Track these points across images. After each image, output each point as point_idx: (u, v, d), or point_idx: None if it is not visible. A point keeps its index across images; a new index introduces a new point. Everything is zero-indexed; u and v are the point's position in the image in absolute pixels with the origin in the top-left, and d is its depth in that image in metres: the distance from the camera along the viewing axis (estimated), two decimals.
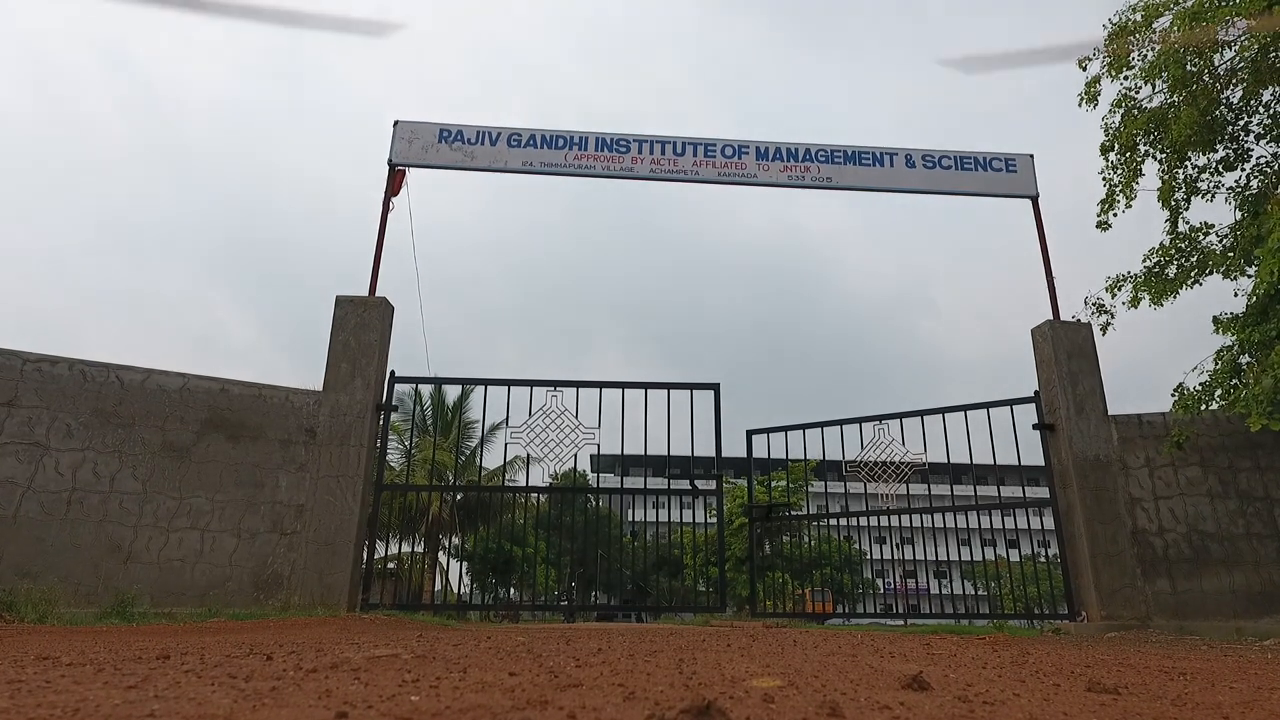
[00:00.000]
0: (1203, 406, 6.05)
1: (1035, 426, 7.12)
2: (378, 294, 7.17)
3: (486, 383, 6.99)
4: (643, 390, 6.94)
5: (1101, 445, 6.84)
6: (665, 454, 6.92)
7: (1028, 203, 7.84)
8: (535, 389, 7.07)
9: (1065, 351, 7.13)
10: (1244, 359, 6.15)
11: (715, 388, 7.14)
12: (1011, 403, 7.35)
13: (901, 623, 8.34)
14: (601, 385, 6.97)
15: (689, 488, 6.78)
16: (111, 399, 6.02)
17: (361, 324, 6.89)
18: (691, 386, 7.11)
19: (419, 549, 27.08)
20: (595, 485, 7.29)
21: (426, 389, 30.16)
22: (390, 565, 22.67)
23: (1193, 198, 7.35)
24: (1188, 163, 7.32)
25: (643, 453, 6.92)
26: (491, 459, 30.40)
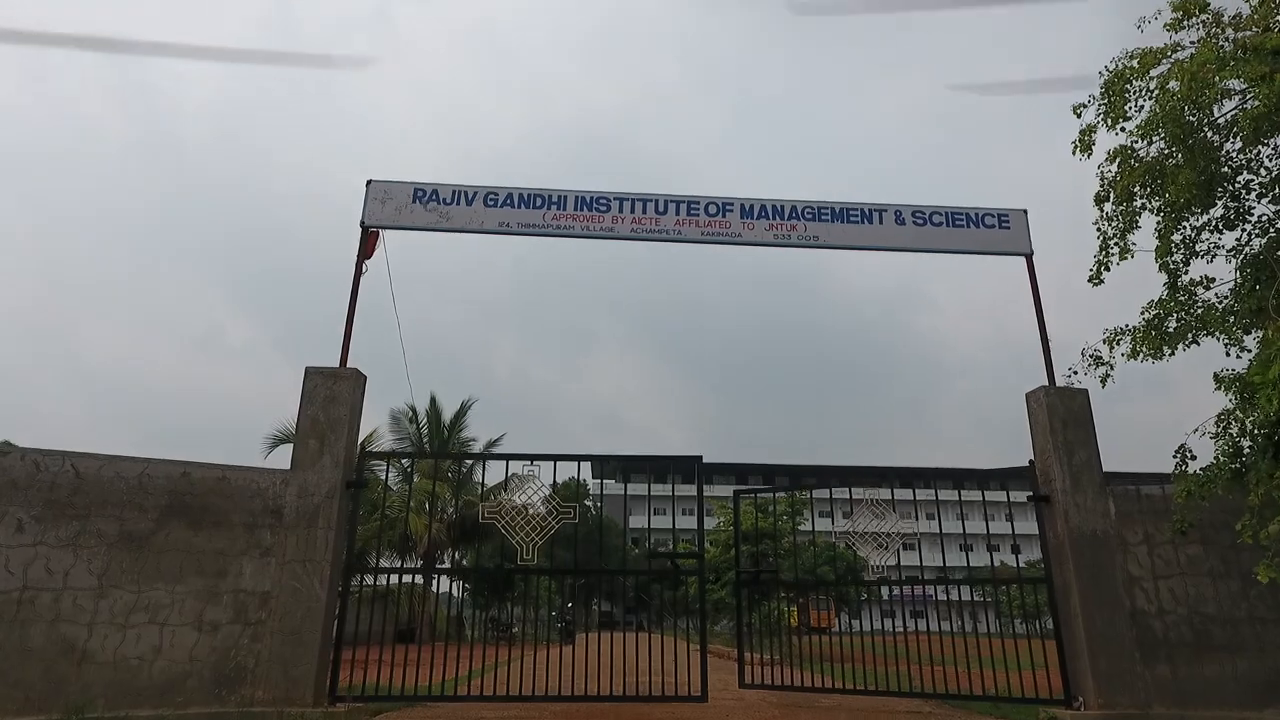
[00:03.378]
0: (1204, 499, 5.80)
1: (1030, 498, 6.88)
2: (350, 363, 6.95)
3: (460, 457, 6.73)
4: (623, 461, 6.68)
5: (1099, 520, 6.60)
6: (646, 527, 6.68)
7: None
8: (511, 462, 6.83)
9: (1061, 419, 6.90)
10: (1245, 442, 5.89)
11: (696, 461, 6.89)
12: (1005, 473, 7.12)
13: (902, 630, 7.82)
14: (579, 459, 6.73)
15: (670, 567, 6.53)
16: (66, 489, 5.78)
17: (331, 397, 6.65)
18: (672, 459, 6.88)
19: (413, 567, 26.75)
20: (574, 567, 6.91)
21: (423, 405, 29.97)
22: (383, 581, 22.46)
23: (1191, 260, 7.09)
24: (1185, 224, 7.06)
25: (623, 527, 6.66)
26: (487, 478, 30.18)
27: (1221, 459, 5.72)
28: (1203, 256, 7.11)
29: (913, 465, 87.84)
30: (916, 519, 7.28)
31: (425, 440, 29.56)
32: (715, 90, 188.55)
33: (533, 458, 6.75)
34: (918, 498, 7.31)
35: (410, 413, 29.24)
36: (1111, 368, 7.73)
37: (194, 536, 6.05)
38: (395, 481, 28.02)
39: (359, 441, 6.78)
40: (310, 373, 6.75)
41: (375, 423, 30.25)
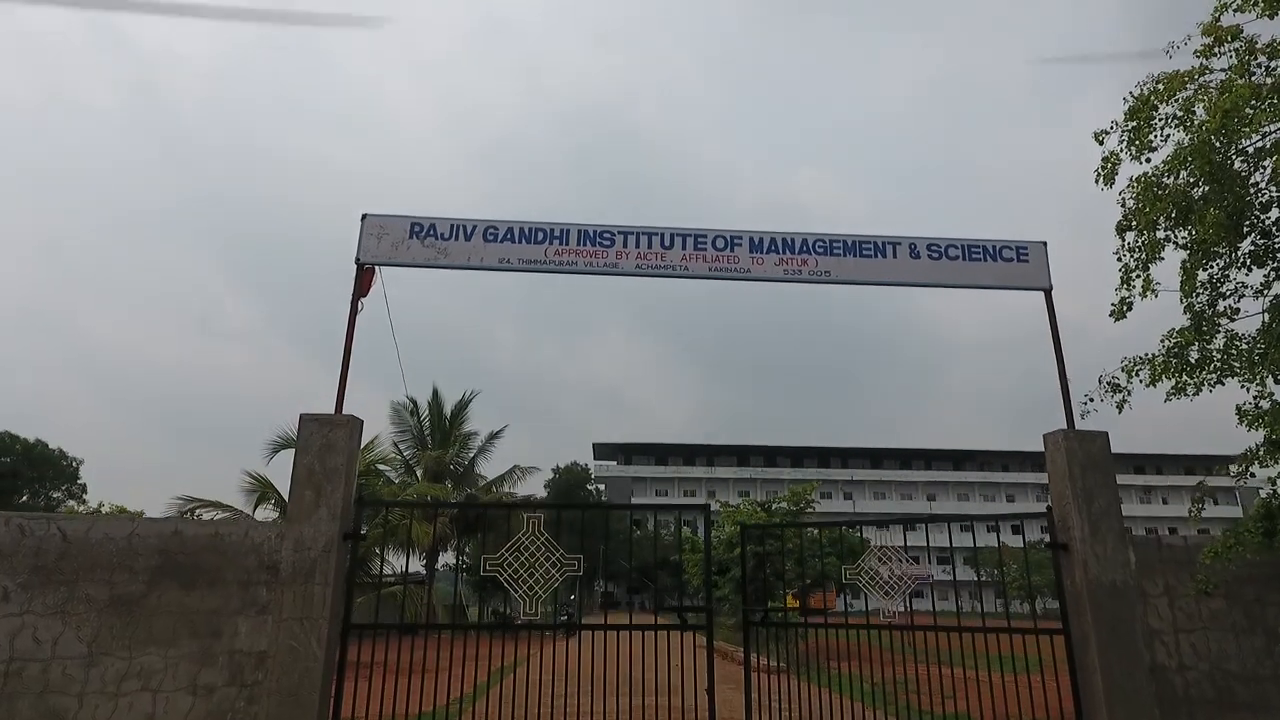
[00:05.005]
0: (1230, 562, 5.61)
1: (1047, 545, 6.68)
2: (346, 408, 6.73)
3: (462, 506, 6.53)
4: (629, 512, 6.47)
5: (1119, 570, 6.40)
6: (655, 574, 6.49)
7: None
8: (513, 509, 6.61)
9: (1080, 465, 6.67)
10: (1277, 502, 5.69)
11: (705, 509, 6.69)
12: (1022, 517, 6.91)
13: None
14: (585, 508, 6.51)
15: (677, 622, 6.34)
16: (53, 554, 5.59)
17: (327, 446, 6.43)
18: (681, 507, 6.66)
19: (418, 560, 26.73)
20: (578, 620, 6.83)
21: (424, 399, 29.84)
22: (389, 578, 22.35)
23: (1218, 301, 6.83)
24: (1212, 264, 6.79)
25: (629, 572, 6.47)
26: (489, 469, 30.15)
27: (1253, 525, 5.52)
28: (1229, 297, 6.85)
29: (914, 447, 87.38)
30: (928, 554, 7.06)
31: (427, 433, 29.48)
32: (715, 66, 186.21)
33: (537, 506, 6.54)
34: (932, 512, 7.11)
35: (411, 406, 29.15)
36: (1129, 393, 7.51)
37: (186, 597, 5.87)
38: (397, 475, 28.00)
39: (354, 490, 6.56)
40: (305, 420, 6.53)
41: (378, 414, 30.19)
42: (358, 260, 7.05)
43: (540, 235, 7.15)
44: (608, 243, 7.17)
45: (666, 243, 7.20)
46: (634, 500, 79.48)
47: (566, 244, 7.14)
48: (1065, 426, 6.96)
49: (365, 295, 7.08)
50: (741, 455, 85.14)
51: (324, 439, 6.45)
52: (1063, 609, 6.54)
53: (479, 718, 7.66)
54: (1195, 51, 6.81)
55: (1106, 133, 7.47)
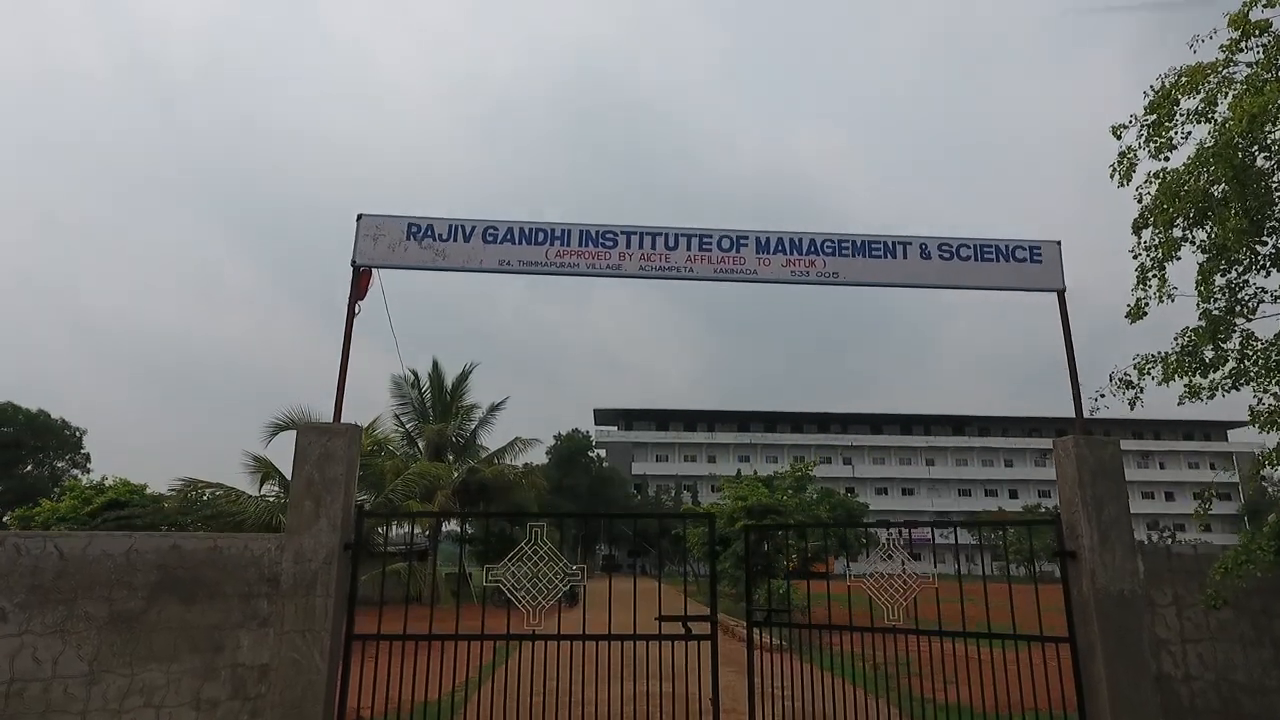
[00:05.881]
0: (1240, 579, 5.54)
1: (1056, 553, 6.61)
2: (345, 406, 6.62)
3: (464, 515, 6.44)
4: (634, 519, 6.39)
5: (1127, 580, 6.35)
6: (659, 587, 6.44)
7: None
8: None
9: (1090, 472, 6.58)
10: None
11: (710, 518, 6.61)
12: (1030, 523, 6.83)
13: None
14: (587, 516, 6.43)
15: (682, 631, 6.30)
16: (50, 573, 5.52)
17: (326, 455, 6.33)
18: (685, 515, 6.58)
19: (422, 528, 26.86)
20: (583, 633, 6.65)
21: (424, 369, 29.73)
22: (393, 548, 22.42)
23: (1236, 308, 6.66)
24: (1232, 269, 6.62)
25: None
26: (490, 441, 30.17)
27: (1265, 543, 5.43)
28: (1247, 303, 6.68)
29: (914, 413, 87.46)
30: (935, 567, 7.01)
31: (428, 405, 29.44)
32: (715, 13, 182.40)
33: (540, 515, 6.46)
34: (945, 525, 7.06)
35: (412, 378, 29.09)
36: (1141, 390, 7.39)
37: (187, 612, 5.82)
38: (399, 447, 28.03)
39: (355, 500, 6.48)
40: (304, 429, 6.43)
41: (380, 383, 30.14)
42: (354, 262, 6.87)
43: (541, 236, 6.96)
44: (610, 243, 6.98)
45: (671, 243, 7.01)
46: (634, 465, 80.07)
47: (568, 245, 6.95)
48: (1075, 427, 6.86)
49: (363, 298, 6.91)
50: (742, 421, 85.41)
51: (323, 448, 6.34)
52: (1069, 618, 6.49)
53: (482, 706, 7.69)
54: (1221, 46, 6.55)
55: (1125, 127, 7.23)
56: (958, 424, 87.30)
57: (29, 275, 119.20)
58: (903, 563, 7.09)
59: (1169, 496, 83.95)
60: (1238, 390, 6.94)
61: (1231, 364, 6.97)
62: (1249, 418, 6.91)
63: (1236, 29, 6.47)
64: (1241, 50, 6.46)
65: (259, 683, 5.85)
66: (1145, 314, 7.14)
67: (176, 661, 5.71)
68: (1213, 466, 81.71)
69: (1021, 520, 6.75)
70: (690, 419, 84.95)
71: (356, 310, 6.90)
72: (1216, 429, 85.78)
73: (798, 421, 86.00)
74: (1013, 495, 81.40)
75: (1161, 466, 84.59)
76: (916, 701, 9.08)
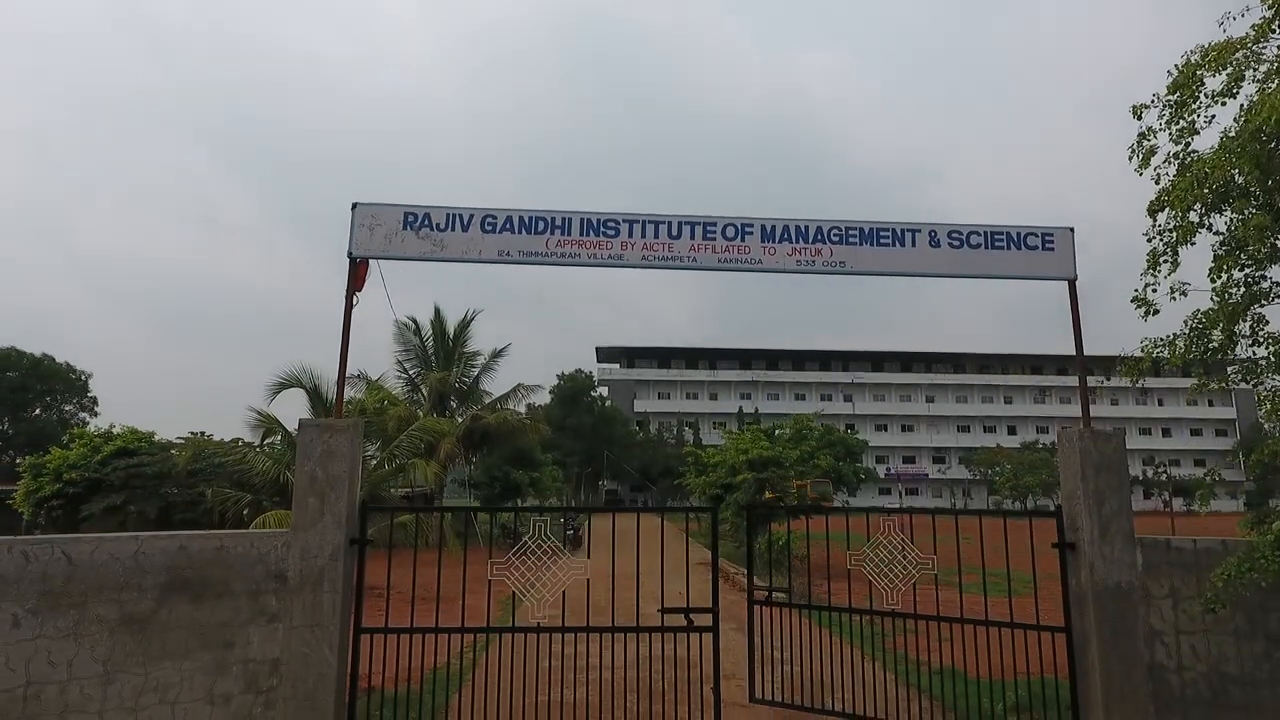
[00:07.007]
0: (1243, 587, 5.57)
1: (1055, 545, 6.65)
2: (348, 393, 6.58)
3: (470, 509, 6.50)
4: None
5: (1125, 572, 6.41)
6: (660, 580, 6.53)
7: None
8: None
9: (1093, 465, 6.57)
10: None
11: (713, 511, 6.64)
12: (1031, 514, 6.86)
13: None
14: (590, 511, 6.47)
15: (684, 624, 6.40)
16: (59, 578, 5.57)
17: (328, 452, 6.33)
18: (688, 510, 6.62)
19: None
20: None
21: (426, 319, 29.63)
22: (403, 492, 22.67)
23: (1252, 306, 6.53)
24: (1250, 266, 6.45)
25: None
26: (492, 385, 30.31)
27: (1270, 551, 5.42)
28: (1260, 298, 6.54)
29: (914, 351, 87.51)
30: (935, 553, 7.05)
31: (430, 353, 29.46)
32: None
33: (544, 510, 6.50)
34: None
35: (414, 325, 29.03)
36: (1143, 372, 7.33)
37: (196, 610, 5.90)
38: (402, 394, 28.15)
39: (359, 496, 6.50)
40: (305, 426, 6.40)
41: (385, 323, 30.13)
42: (350, 254, 6.73)
43: (541, 225, 6.80)
44: (612, 232, 6.82)
45: (674, 232, 6.84)
46: (636, 402, 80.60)
47: (569, 234, 6.79)
48: (1079, 420, 6.81)
49: (360, 290, 6.80)
50: (744, 359, 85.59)
51: (325, 445, 6.33)
52: (1066, 608, 6.59)
53: (490, 671, 7.86)
54: (1253, 26, 6.24)
55: (1146, 107, 6.96)
56: (958, 361, 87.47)
57: (20, 202, 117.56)
58: (902, 545, 7.16)
59: (1165, 432, 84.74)
60: (1247, 384, 6.88)
61: (1242, 352, 6.90)
62: (1261, 413, 6.88)
63: (1271, 9, 6.16)
64: (1274, 33, 6.16)
65: (270, 676, 5.98)
66: (1157, 311, 7.01)
67: (189, 659, 5.82)
68: (1210, 403, 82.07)
69: (1023, 512, 6.75)
70: (692, 356, 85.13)
71: (355, 302, 6.79)
72: (1216, 365, 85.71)
73: (799, 359, 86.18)
74: (1011, 431, 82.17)
75: (1160, 403, 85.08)
76: (912, 664, 9.27)
